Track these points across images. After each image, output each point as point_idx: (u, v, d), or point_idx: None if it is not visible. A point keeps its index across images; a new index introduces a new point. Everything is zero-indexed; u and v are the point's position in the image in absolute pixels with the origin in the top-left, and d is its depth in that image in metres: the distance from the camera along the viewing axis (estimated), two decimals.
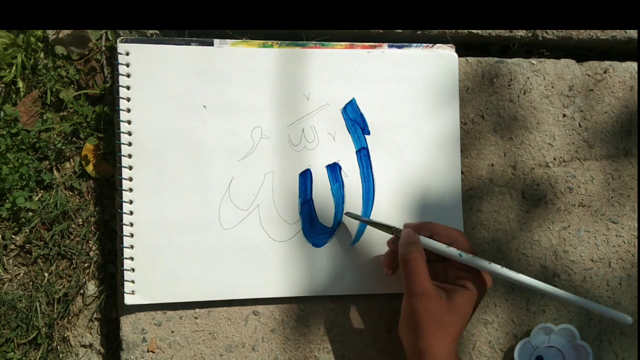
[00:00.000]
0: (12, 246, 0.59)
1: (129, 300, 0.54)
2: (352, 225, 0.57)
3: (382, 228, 0.55)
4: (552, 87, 0.61)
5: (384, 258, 0.56)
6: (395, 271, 0.53)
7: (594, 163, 0.61)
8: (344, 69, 0.57)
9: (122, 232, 0.54)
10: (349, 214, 0.57)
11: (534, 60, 0.61)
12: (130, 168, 0.54)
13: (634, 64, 0.63)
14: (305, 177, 0.57)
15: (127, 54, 0.54)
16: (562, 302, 0.59)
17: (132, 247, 0.54)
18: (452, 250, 0.50)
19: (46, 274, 0.58)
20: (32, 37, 0.58)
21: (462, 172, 0.59)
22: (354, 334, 0.57)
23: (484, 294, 0.51)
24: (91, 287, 0.59)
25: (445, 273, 0.52)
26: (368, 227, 0.57)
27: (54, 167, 0.59)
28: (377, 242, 0.57)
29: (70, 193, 0.59)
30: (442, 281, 0.52)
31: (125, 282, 0.54)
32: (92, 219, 0.59)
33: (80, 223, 0.59)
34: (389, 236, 0.55)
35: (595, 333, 0.60)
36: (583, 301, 0.47)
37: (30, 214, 0.58)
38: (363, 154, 0.58)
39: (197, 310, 0.56)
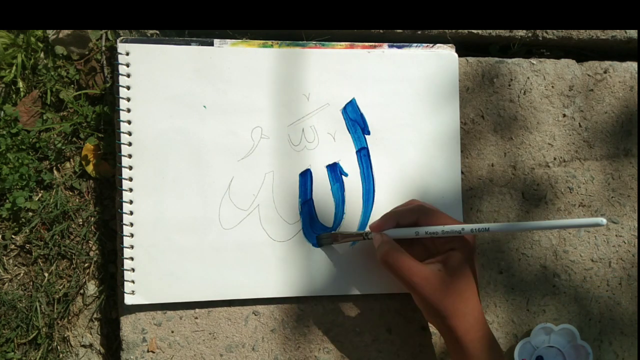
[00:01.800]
0: (12, 246, 0.58)
1: (129, 300, 0.54)
2: (353, 225, 0.57)
3: (356, 237, 0.56)
4: (552, 87, 0.61)
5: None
6: None
7: (594, 163, 0.61)
8: (344, 69, 0.57)
9: (122, 232, 0.54)
10: (320, 239, 0.56)
11: (534, 60, 0.61)
12: (130, 168, 0.54)
13: (634, 64, 0.63)
14: (306, 177, 0.57)
15: (127, 54, 0.54)
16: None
17: (132, 247, 0.54)
18: (421, 230, 0.51)
19: (46, 274, 0.58)
20: (32, 37, 0.58)
21: (462, 172, 0.59)
22: (354, 334, 0.57)
23: (474, 248, 0.52)
24: (91, 287, 0.59)
25: (433, 244, 0.53)
26: (368, 227, 0.57)
27: (54, 167, 0.59)
28: None
29: (70, 193, 0.59)
30: (434, 253, 0.52)
31: (125, 282, 0.54)
32: (92, 219, 0.59)
33: (80, 223, 0.59)
34: None
35: (595, 333, 0.60)
36: (554, 223, 0.50)
37: (30, 214, 0.58)
38: (363, 154, 0.58)
39: (197, 310, 0.56)
